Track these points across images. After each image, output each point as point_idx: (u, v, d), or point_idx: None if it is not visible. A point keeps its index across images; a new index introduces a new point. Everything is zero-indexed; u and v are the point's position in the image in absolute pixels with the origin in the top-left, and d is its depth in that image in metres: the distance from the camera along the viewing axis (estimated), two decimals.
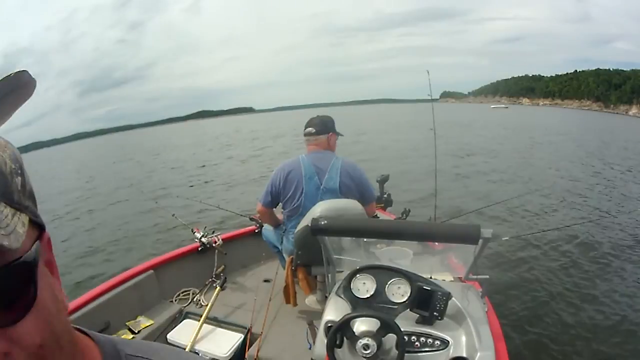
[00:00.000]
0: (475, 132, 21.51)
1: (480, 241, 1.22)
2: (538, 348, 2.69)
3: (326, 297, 1.47)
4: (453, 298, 1.23)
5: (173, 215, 3.22)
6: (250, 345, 1.91)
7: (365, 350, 1.11)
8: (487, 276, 1.44)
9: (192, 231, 2.65)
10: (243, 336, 1.98)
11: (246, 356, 1.87)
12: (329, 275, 1.59)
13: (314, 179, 2.00)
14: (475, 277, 1.45)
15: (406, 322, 1.21)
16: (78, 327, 0.34)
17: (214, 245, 2.56)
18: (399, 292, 1.29)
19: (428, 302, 1.21)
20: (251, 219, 2.88)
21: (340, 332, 1.14)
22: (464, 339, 1.18)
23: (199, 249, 2.54)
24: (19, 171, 0.29)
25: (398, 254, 1.63)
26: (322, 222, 1.34)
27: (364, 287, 1.33)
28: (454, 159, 10.74)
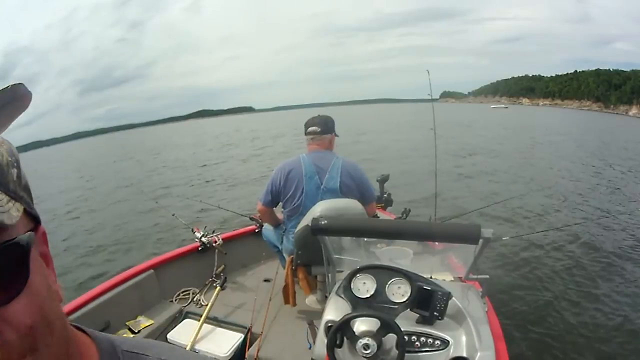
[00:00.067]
0: (476, 132, 21.51)
1: (481, 241, 1.22)
2: (538, 348, 2.69)
3: (326, 297, 1.47)
4: (453, 298, 1.23)
5: (173, 215, 3.22)
6: (250, 345, 1.91)
7: (366, 350, 1.11)
8: (488, 276, 1.44)
9: (192, 231, 2.65)
10: (243, 336, 1.98)
11: (246, 356, 1.87)
12: (329, 275, 1.59)
13: (315, 178, 2.00)
14: (475, 277, 1.45)
15: (406, 322, 1.21)
16: (76, 324, 0.35)
17: (214, 244, 2.56)
18: (399, 292, 1.29)
19: (428, 302, 1.21)
20: (251, 219, 2.88)
21: (340, 332, 1.14)
22: (464, 338, 1.18)
23: (199, 248, 2.54)
24: (15, 164, 0.30)
25: (398, 253, 1.63)
26: (323, 222, 1.34)
27: (364, 286, 1.33)
28: (454, 158, 10.74)
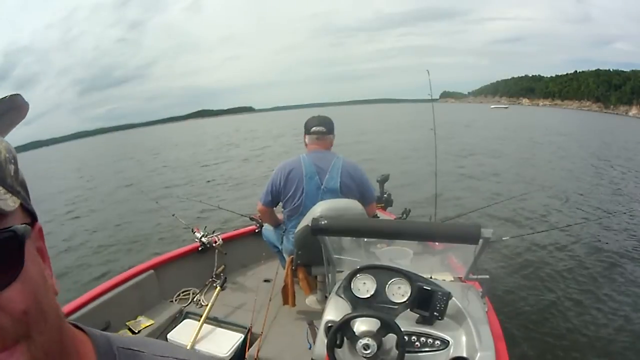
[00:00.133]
0: (476, 132, 21.51)
1: (481, 241, 1.22)
2: (538, 348, 2.69)
3: (326, 297, 1.47)
4: (453, 298, 1.23)
5: (173, 215, 3.22)
6: (250, 345, 1.91)
7: (366, 350, 1.11)
8: (488, 276, 1.44)
9: (192, 231, 2.65)
10: (243, 336, 1.98)
11: (246, 356, 1.87)
12: (329, 275, 1.59)
13: (315, 178, 2.00)
14: (475, 277, 1.45)
15: (406, 322, 1.21)
16: (73, 322, 0.35)
17: (214, 245, 2.55)
18: (399, 292, 1.29)
19: (428, 302, 1.21)
20: (251, 219, 2.88)
21: (340, 332, 1.14)
22: (464, 339, 1.18)
23: (199, 248, 2.54)
24: (13, 161, 0.31)
25: (398, 254, 1.63)
26: (323, 222, 1.34)
27: (364, 287, 1.33)
28: (455, 159, 10.74)
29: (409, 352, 1.14)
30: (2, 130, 0.32)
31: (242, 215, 3.23)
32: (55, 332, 0.30)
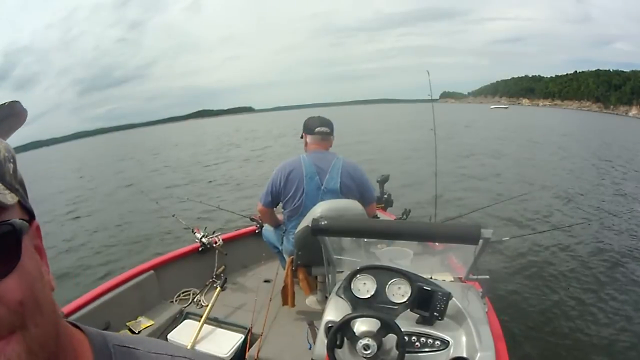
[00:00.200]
0: (476, 132, 21.51)
1: (481, 241, 1.22)
2: (539, 348, 2.69)
3: (326, 298, 1.47)
4: (453, 298, 1.23)
5: (173, 215, 3.22)
6: (250, 346, 1.91)
7: (366, 350, 1.11)
8: (488, 276, 1.44)
9: (193, 231, 2.65)
10: (243, 336, 1.98)
11: (246, 356, 1.87)
12: (329, 275, 1.59)
13: (315, 179, 2.00)
14: (475, 277, 1.45)
15: (406, 322, 1.21)
16: (71, 321, 0.36)
17: (214, 245, 2.56)
18: (399, 292, 1.29)
19: (428, 302, 1.21)
20: (251, 219, 2.88)
21: (340, 333, 1.14)
22: (464, 339, 1.18)
23: (200, 249, 2.54)
24: (11, 159, 0.32)
25: (398, 254, 1.63)
26: (323, 223, 1.34)
27: (364, 287, 1.33)
28: (455, 159, 10.73)
29: (409, 352, 1.14)
30: (1, 135, 0.33)
31: (242, 215, 3.23)
32: (51, 326, 0.30)
